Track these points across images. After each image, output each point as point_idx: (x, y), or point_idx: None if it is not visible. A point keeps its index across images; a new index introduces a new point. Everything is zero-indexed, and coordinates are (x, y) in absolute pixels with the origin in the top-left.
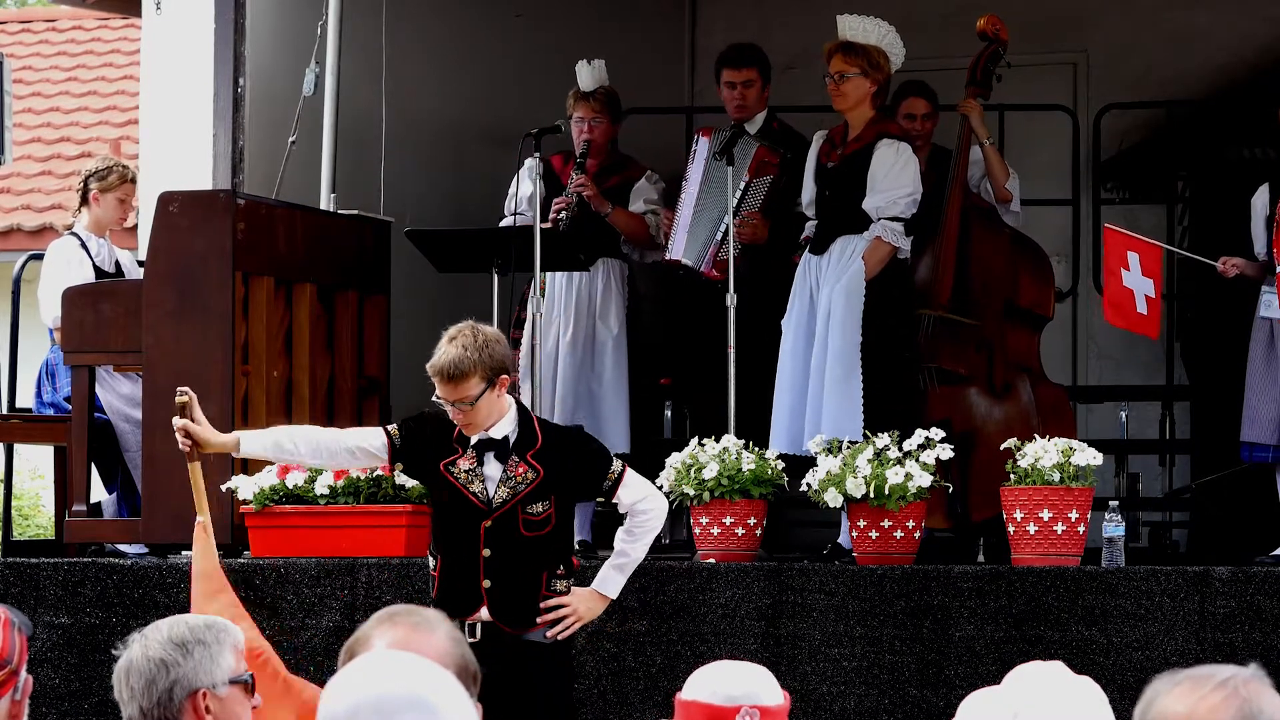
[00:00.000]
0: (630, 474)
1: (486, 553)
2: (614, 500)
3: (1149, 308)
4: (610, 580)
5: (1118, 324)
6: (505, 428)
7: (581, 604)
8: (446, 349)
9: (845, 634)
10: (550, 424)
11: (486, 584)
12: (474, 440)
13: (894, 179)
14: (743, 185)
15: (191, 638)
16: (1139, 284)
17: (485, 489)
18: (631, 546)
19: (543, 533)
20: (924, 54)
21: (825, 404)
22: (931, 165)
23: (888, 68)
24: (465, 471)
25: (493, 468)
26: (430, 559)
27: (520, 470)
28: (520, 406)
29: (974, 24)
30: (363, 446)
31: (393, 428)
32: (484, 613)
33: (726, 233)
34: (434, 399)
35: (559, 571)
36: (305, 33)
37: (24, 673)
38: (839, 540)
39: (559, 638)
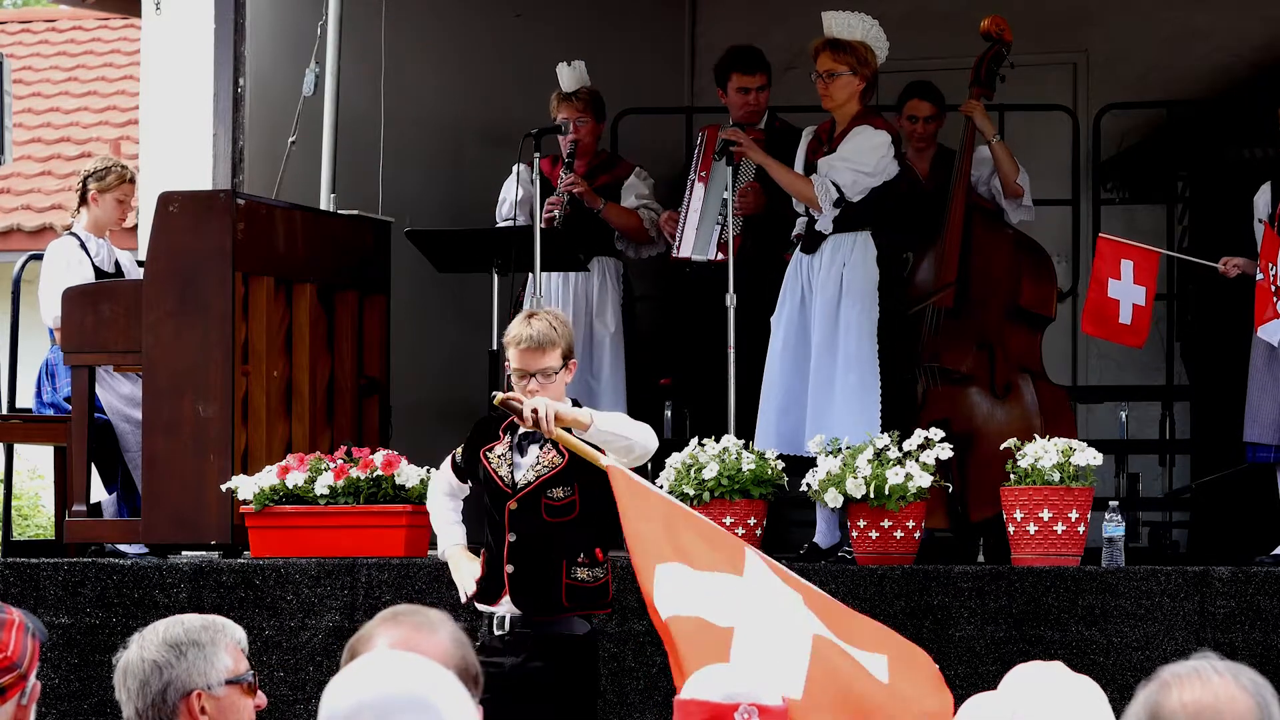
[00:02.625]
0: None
1: (512, 537)
2: None
3: (1135, 316)
4: (589, 413)
5: (1096, 334)
6: None
7: (561, 407)
8: (529, 322)
9: None
10: None
11: (510, 569)
12: (521, 430)
13: (856, 151)
14: (735, 166)
15: (186, 639)
16: (1128, 293)
17: (512, 473)
18: (624, 421)
19: (566, 519)
20: (926, 54)
21: (839, 409)
22: (937, 166)
23: (875, 64)
24: (498, 456)
25: (531, 455)
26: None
27: (550, 456)
28: (574, 401)
29: (976, 24)
30: (451, 484)
31: (457, 451)
32: (507, 601)
33: (726, 220)
34: (508, 374)
35: (580, 560)
36: (305, 33)
37: (33, 678)
38: (815, 540)
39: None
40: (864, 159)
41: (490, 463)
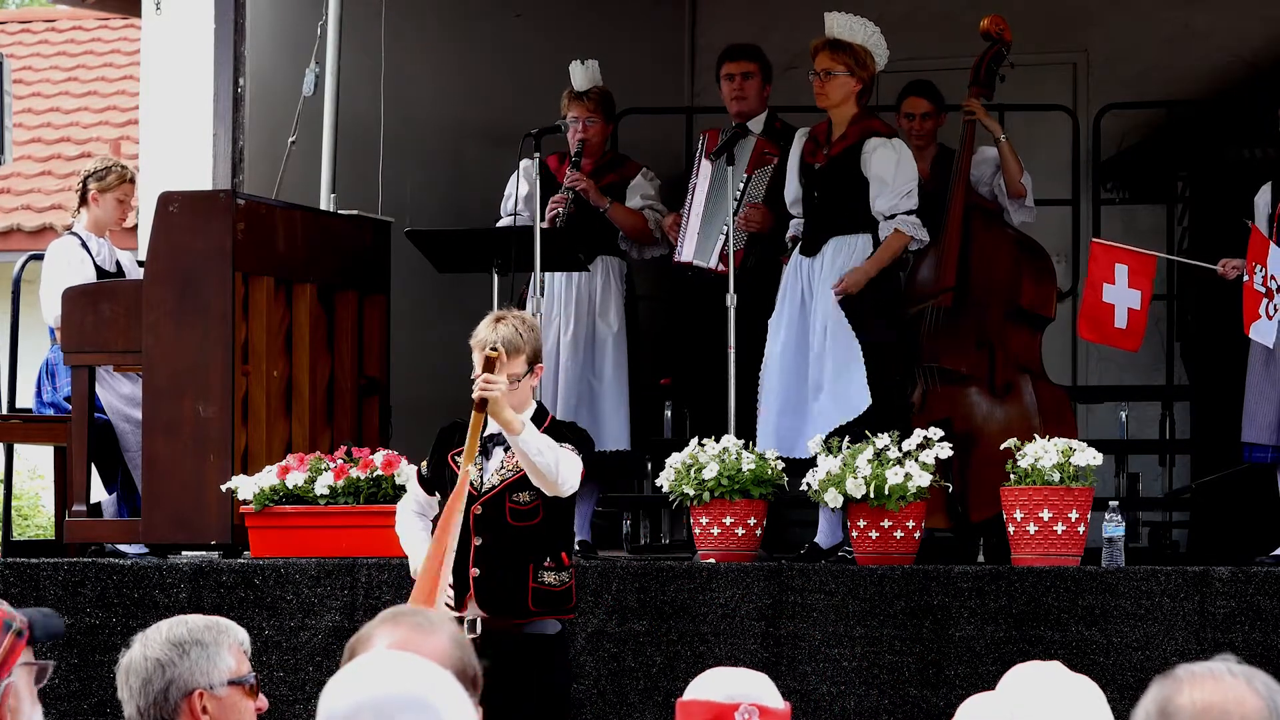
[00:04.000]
0: (575, 457)
1: (477, 541)
2: None
3: (1130, 320)
4: (524, 424)
5: (1092, 339)
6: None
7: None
8: (496, 327)
9: (845, 634)
10: (559, 423)
11: (475, 572)
12: (485, 433)
13: (899, 176)
14: (744, 179)
15: (189, 638)
16: (1123, 297)
17: (480, 476)
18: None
19: (530, 523)
20: (925, 54)
21: (830, 388)
22: (937, 165)
23: (873, 67)
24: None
25: (496, 459)
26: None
27: (513, 460)
28: (540, 406)
29: (975, 24)
30: (420, 502)
31: (421, 465)
32: (474, 605)
33: (728, 230)
34: (472, 377)
35: (547, 564)
36: (305, 33)
37: (8, 679)
38: (816, 540)
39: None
40: (907, 175)
41: (459, 465)
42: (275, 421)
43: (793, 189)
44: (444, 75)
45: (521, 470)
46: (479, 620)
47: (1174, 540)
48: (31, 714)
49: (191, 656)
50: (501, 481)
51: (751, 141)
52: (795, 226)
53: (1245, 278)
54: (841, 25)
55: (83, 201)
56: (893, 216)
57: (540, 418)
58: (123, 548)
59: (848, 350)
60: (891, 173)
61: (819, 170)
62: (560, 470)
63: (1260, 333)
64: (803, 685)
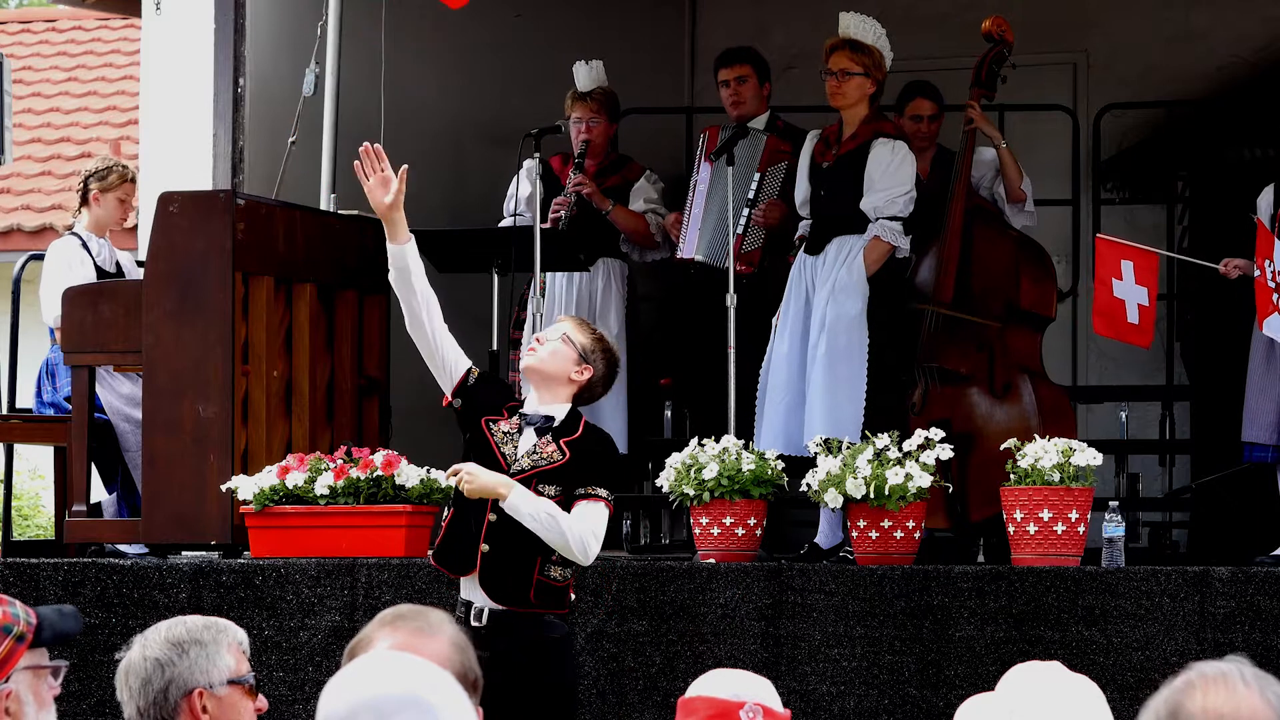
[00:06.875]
0: (598, 506)
1: (492, 517)
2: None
3: (1141, 316)
4: (523, 492)
5: (1107, 334)
6: (555, 411)
7: (482, 473)
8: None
9: (845, 634)
10: (596, 427)
11: (484, 548)
12: (522, 409)
13: (891, 178)
14: (758, 177)
15: (189, 638)
16: (1131, 293)
17: (514, 453)
18: (550, 511)
19: None
20: (924, 54)
21: (825, 402)
22: (937, 166)
23: (885, 69)
24: (504, 432)
25: (528, 440)
26: (445, 510)
27: (549, 450)
28: (575, 410)
29: (975, 24)
30: (450, 355)
31: (475, 370)
32: (477, 585)
33: (747, 226)
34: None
35: (555, 558)
36: (305, 33)
37: (5, 684)
38: (815, 540)
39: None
40: (899, 178)
41: (494, 435)
42: (275, 421)
43: (802, 190)
44: (444, 75)
45: (556, 462)
46: (486, 610)
47: (1174, 540)
48: (38, 718)
49: (190, 656)
50: (533, 467)
51: (762, 140)
52: (804, 227)
53: (1256, 273)
54: (856, 25)
55: (84, 201)
56: (876, 220)
57: (574, 419)
58: (123, 548)
59: (849, 366)
60: (882, 172)
61: (827, 169)
62: (571, 541)
63: (1274, 328)
64: (803, 685)
